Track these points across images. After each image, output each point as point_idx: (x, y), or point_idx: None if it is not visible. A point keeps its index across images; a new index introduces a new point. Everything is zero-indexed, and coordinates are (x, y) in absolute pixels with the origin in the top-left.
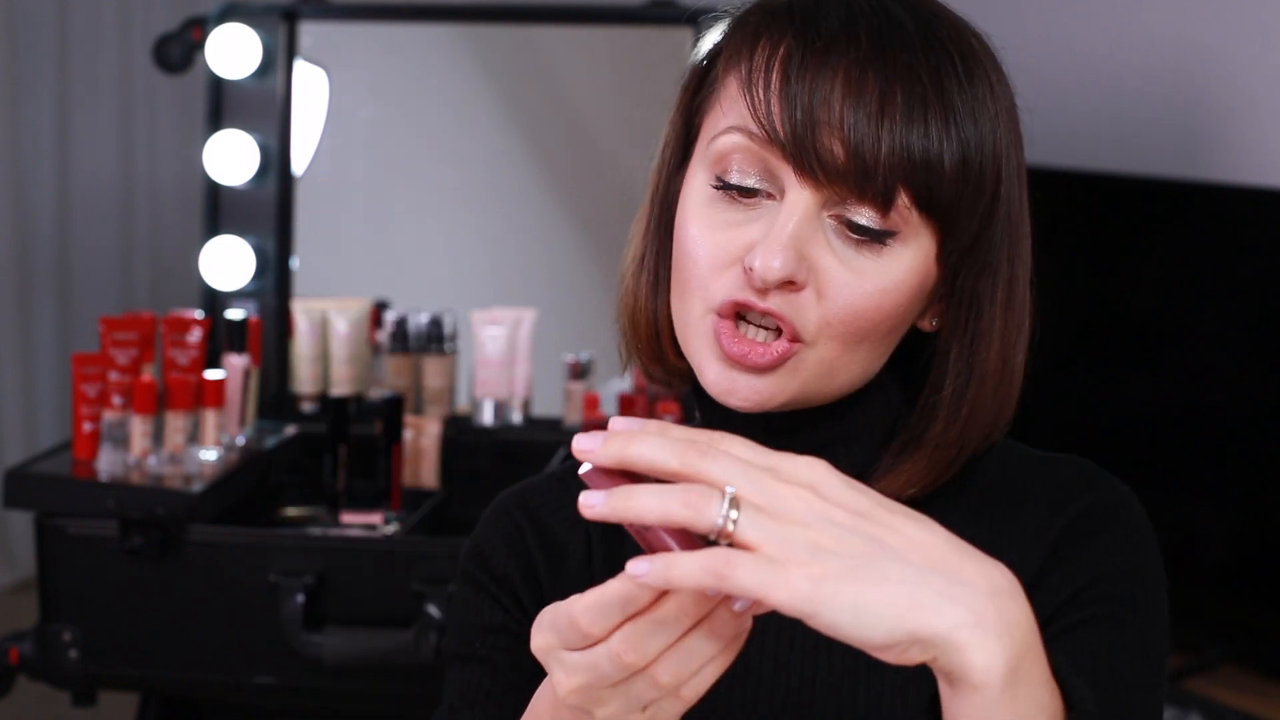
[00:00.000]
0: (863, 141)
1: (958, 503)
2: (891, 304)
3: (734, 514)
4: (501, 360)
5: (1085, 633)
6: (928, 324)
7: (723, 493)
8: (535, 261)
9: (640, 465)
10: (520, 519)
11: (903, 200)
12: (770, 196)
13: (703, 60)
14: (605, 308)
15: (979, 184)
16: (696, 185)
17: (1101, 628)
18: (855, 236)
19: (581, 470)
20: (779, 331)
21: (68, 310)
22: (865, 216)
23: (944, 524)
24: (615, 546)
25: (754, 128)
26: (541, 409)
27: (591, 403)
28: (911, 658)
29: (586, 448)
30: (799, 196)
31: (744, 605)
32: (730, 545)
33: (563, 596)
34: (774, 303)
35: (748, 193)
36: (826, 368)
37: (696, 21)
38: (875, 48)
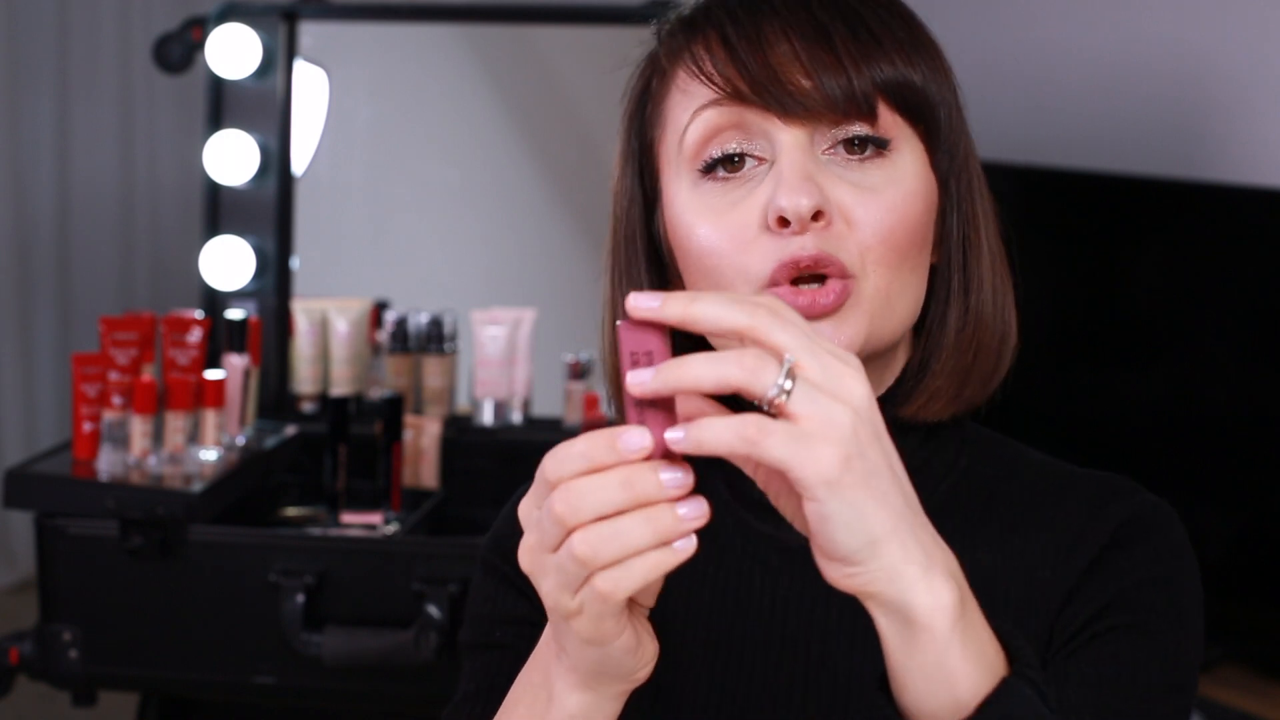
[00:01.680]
0: (825, 68)
1: (996, 517)
2: (914, 212)
3: (788, 384)
4: (501, 360)
5: (1110, 640)
6: (934, 256)
7: (780, 360)
8: (535, 261)
9: (705, 324)
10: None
11: (884, 109)
12: (760, 161)
13: (639, 87)
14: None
15: (939, 89)
16: (683, 191)
17: (1127, 635)
18: (856, 156)
19: (620, 323)
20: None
21: (68, 310)
22: (858, 129)
23: (981, 538)
24: None
25: (719, 95)
26: (541, 409)
27: (591, 403)
28: (856, 584)
29: (648, 305)
30: (790, 136)
31: (691, 511)
32: (769, 414)
33: None
34: (817, 245)
35: (733, 164)
36: (883, 297)
37: None
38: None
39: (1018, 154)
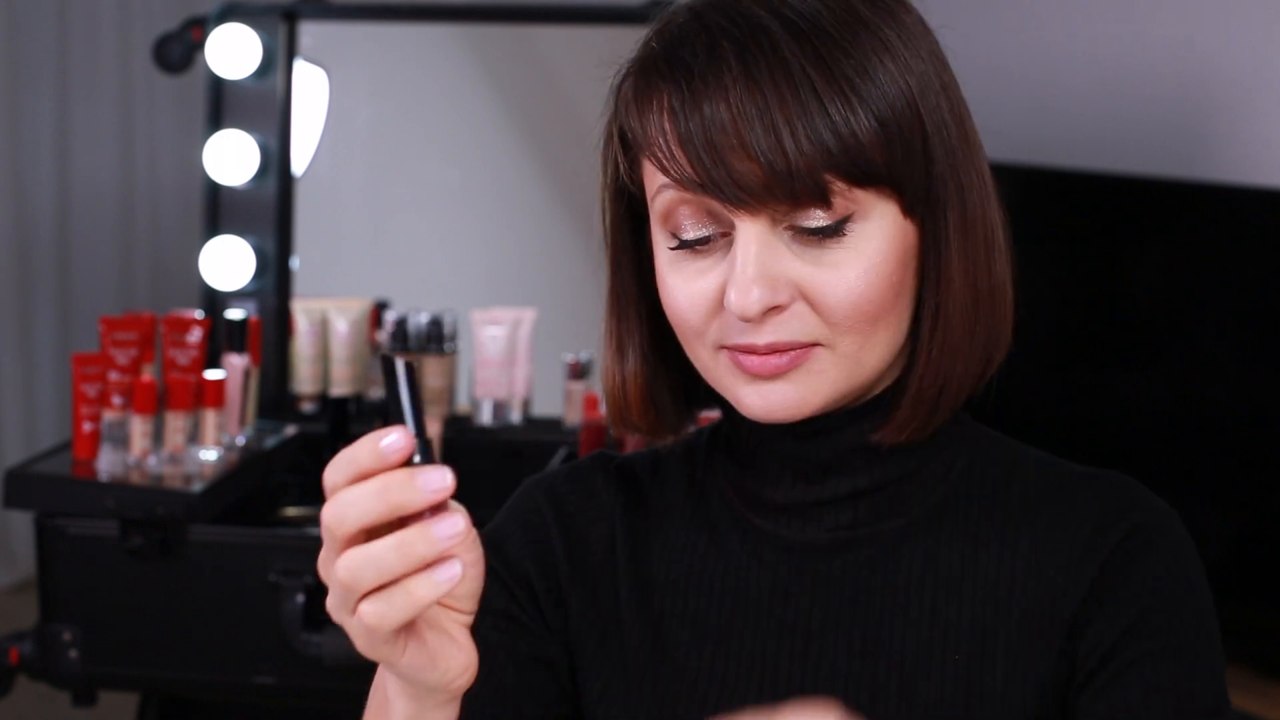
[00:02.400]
0: (770, 152)
1: (998, 515)
2: (881, 279)
3: None
4: (501, 360)
5: (1147, 668)
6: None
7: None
8: (535, 261)
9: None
10: (544, 506)
11: (838, 186)
12: (725, 234)
13: (606, 131)
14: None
15: (903, 138)
16: (660, 244)
17: (1162, 661)
18: (816, 238)
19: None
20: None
21: (68, 310)
22: (813, 218)
23: (983, 536)
24: (640, 542)
25: (672, 185)
26: (541, 409)
27: (591, 403)
28: None
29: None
30: (745, 227)
31: (445, 530)
32: None
33: (583, 588)
34: (770, 334)
35: (702, 243)
36: (852, 361)
37: None
38: (744, 62)
39: (1020, 154)
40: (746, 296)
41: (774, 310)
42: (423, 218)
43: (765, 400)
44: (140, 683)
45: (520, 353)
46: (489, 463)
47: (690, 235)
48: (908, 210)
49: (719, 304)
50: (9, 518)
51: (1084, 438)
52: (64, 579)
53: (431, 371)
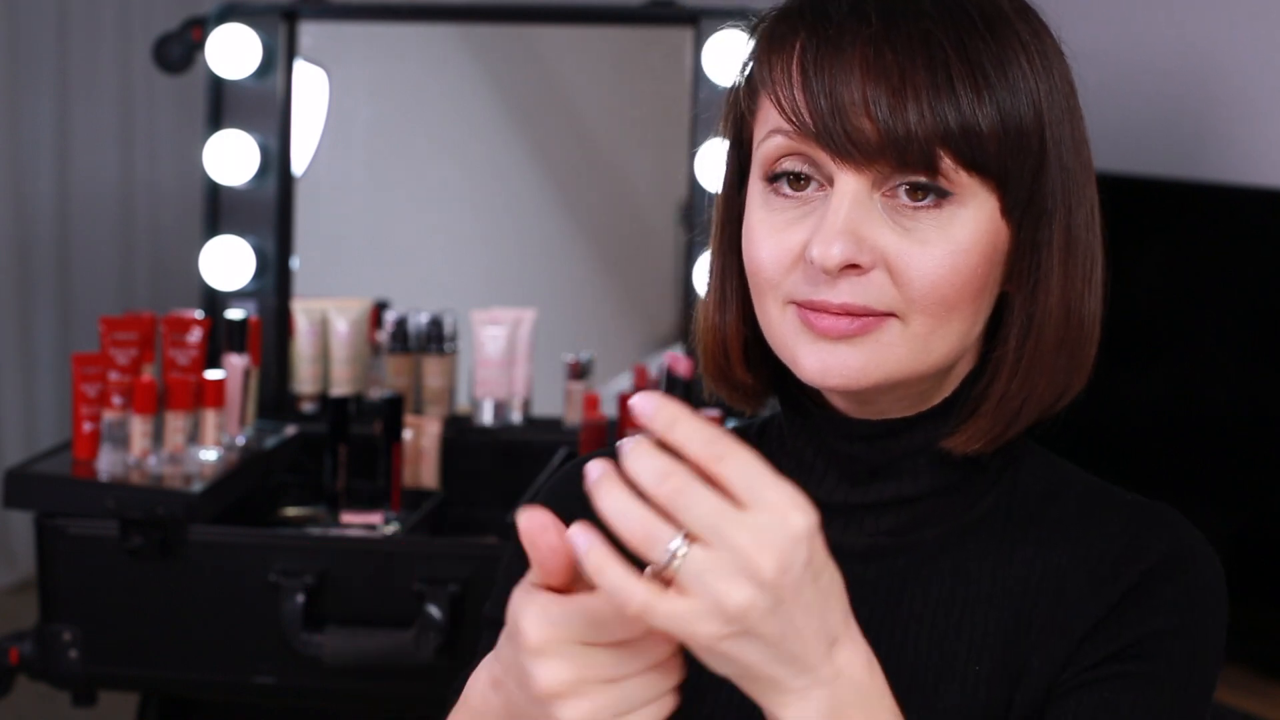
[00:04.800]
0: (890, 114)
1: (1034, 533)
2: (966, 267)
3: (680, 556)
4: (501, 360)
5: (1116, 686)
6: (1010, 285)
7: (681, 534)
8: (535, 261)
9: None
10: (580, 490)
11: (946, 163)
12: (822, 187)
13: (737, 79)
14: (605, 308)
15: (1021, 138)
16: (755, 193)
17: (1133, 685)
18: (911, 205)
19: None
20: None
21: (68, 310)
22: (914, 185)
23: (1016, 552)
24: None
25: (787, 125)
26: (541, 409)
27: (591, 403)
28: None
29: (643, 408)
30: (845, 181)
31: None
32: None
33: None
34: (846, 294)
35: (798, 182)
36: (921, 342)
37: (697, 21)
38: (886, 23)
39: None
40: (829, 247)
41: (854, 270)
42: (423, 218)
43: (824, 363)
44: (140, 683)
45: (520, 353)
46: (489, 463)
47: (787, 168)
48: (1006, 210)
49: (800, 258)
50: (9, 518)
51: (1082, 438)
52: (64, 579)
53: (431, 371)
